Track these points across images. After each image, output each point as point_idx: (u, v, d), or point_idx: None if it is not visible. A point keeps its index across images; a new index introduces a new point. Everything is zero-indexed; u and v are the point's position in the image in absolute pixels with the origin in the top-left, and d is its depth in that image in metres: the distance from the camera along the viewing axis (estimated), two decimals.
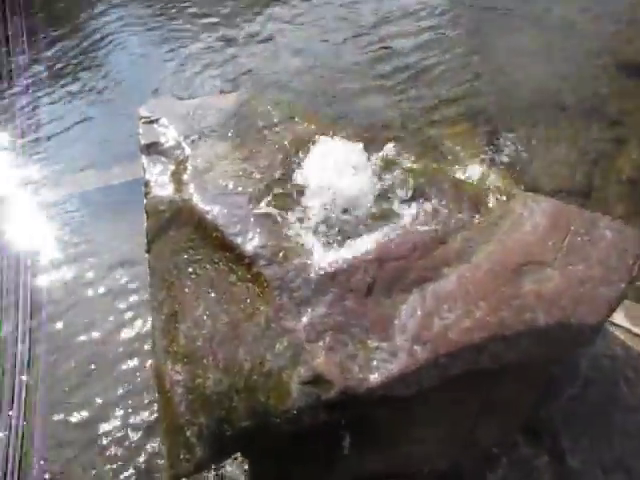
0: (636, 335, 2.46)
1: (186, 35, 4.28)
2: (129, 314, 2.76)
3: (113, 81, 4.12)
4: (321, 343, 1.64)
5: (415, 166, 2.17)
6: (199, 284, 1.91)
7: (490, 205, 2.02)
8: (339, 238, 1.85)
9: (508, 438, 2.19)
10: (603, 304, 1.71)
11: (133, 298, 2.83)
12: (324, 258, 1.79)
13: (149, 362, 2.49)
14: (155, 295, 1.99)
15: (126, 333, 2.71)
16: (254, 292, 1.79)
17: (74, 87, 4.14)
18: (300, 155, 2.18)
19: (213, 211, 1.98)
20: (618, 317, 2.46)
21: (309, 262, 1.79)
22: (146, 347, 2.54)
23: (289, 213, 1.94)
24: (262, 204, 1.98)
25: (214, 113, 2.40)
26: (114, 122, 3.66)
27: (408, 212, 1.95)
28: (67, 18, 4.82)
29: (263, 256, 1.82)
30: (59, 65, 4.35)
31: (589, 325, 1.68)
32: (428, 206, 1.98)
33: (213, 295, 1.87)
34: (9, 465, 2.23)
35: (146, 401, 2.41)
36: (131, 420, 2.38)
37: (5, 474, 2.22)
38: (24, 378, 2.54)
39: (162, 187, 2.14)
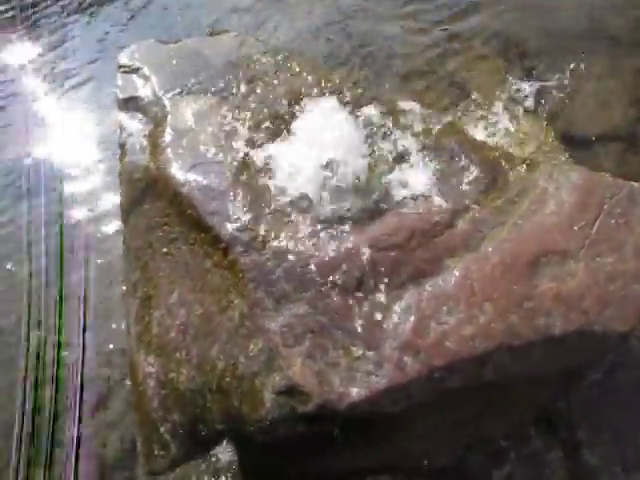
0: None
1: None
2: None
3: None
4: (299, 348, 1.43)
5: (423, 126, 1.85)
6: (174, 267, 1.72)
7: (509, 176, 1.72)
8: (326, 221, 1.60)
9: (519, 430, 1.99)
10: (635, 307, 1.43)
11: None
12: (307, 246, 1.55)
13: None
14: (129, 275, 1.81)
15: None
16: (229, 282, 1.59)
17: None
18: (292, 115, 1.89)
19: (189, 183, 1.74)
20: None
21: (290, 250, 1.55)
22: None
23: (272, 189, 1.68)
24: (243, 177, 1.73)
25: (200, 61, 2.10)
26: None
27: (409, 186, 1.66)
28: None
29: (240, 241, 1.60)
30: None
31: (616, 332, 1.41)
32: (433, 177, 1.70)
33: (188, 281, 1.68)
34: None
35: None
36: None
37: None
38: None
39: (138, 151, 1.91)
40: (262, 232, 1.61)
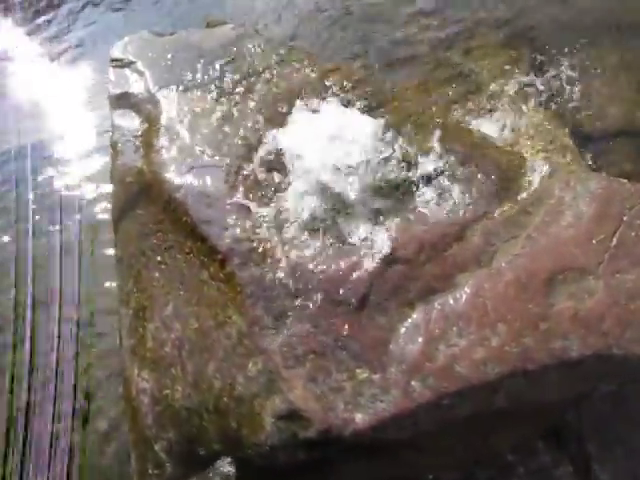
0: None
1: None
2: None
3: None
4: (300, 370, 1.35)
5: (431, 126, 1.75)
6: (168, 277, 1.63)
7: (523, 183, 1.62)
8: (330, 232, 1.50)
9: (527, 443, 1.92)
10: None
11: None
12: (309, 259, 1.46)
13: None
14: (122, 285, 1.72)
15: None
16: (226, 296, 1.50)
17: None
18: (293, 114, 1.78)
19: (184, 189, 1.65)
20: None
21: (291, 263, 1.46)
22: None
23: (273, 197, 1.58)
24: (242, 182, 1.63)
25: (197, 55, 1.99)
26: None
27: (417, 195, 1.57)
28: None
29: (238, 252, 1.51)
30: None
31: (637, 356, 1.33)
32: (443, 185, 1.60)
33: (183, 293, 1.59)
34: None
35: None
36: None
37: None
38: None
39: (130, 152, 1.81)
40: (261, 243, 1.51)
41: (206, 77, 1.92)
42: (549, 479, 1.89)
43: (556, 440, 1.93)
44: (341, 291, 1.41)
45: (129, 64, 1.97)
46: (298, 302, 1.42)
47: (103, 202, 2.52)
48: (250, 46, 2.01)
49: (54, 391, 2.13)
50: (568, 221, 1.49)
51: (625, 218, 1.49)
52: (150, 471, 1.58)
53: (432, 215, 1.53)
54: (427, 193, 1.59)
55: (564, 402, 1.65)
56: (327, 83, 1.85)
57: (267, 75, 1.90)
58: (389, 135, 1.69)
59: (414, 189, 1.61)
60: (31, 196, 2.70)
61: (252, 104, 1.81)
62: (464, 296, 1.39)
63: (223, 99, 1.86)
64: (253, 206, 1.58)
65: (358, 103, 1.79)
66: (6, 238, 2.63)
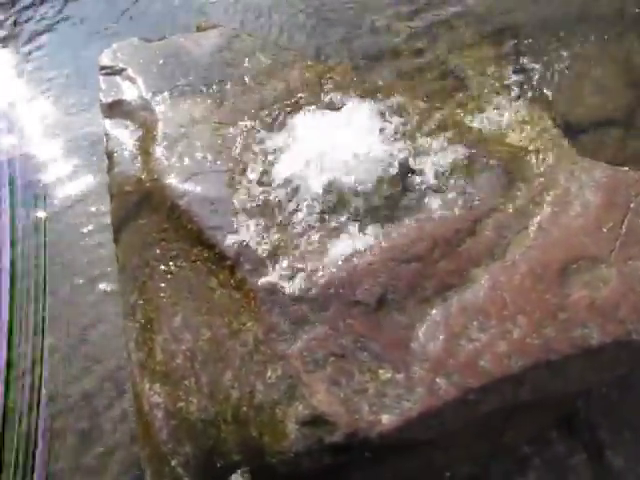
0: None
1: None
2: None
3: None
4: (321, 374, 1.33)
5: (429, 123, 1.74)
6: (175, 287, 1.59)
7: (527, 175, 1.62)
8: (340, 232, 1.48)
9: (542, 433, 1.92)
10: None
11: None
12: (322, 261, 1.44)
13: None
14: (126, 297, 1.68)
15: None
16: (239, 303, 1.47)
17: None
18: (293, 115, 1.76)
19: (187, 195, 1.62)
20: None
21: (304, 267, 1.44)
22: None
23: (279, 198, 1.56)
24: (246, 185, 1.61)
25: (189, 59, 1.96)
26: None
27: (425, 192, 1.56)
28: None
29: (248, 258, 1.48)
30: None
31: None
32: (449, 181, 1.59)
33: (192, 303, 1.55)
34: None
35: None
36: None
37: None
38: None
39: (128, 161, 1.77)
40: (271, 247, 1.49)
41: (200, 81, 1.89)
42: (564, 468, 1.89)
43: (568, 429, 1.94)
44: (357, 292, 1.39)
45: (120, 71, 1.93)
46: (314, 306, 1.40)
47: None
48: (242, 49, 1.98)
49: None
50: (577, 211, 1.50)
51: (632, 205, 1.51)
52: None
53: (442, 211, 1.52)
54: (435, 190, 1.59)
55: (580, 390, 1.66)
56: (323, 82, 1.84)
57: (262, 77, 1.88)
58: (392, 132, 1.67)
59: (422, 186, 1.60)
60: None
61: (250, 106, 1.79)
62: (481, 290, 1.38)
63: (220, 103, 1.83)
64: (260, 210, 1.56)
65: (357, 101, 1.77)
66: None
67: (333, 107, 1.75)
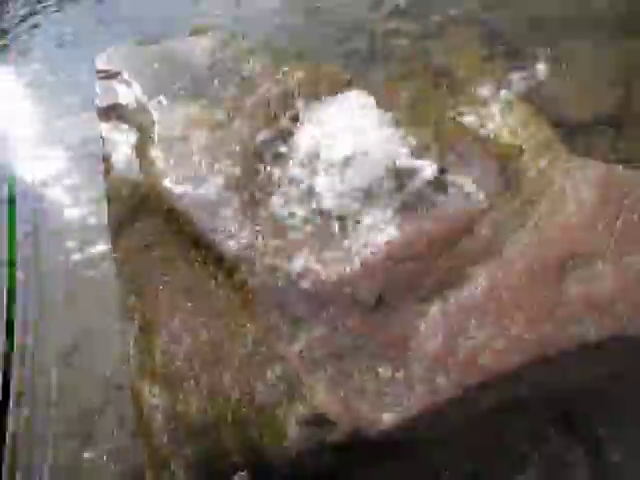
0: None
1: None
2: None
3: None
4: (321, 374, 1.33)
5: (422, 122, 1.75)
6: (174, 290, 1.60)
7: (522, 174, 1.64)
8: (338, 233, 1.49)
9: (540, 430, 1.93)
10: None
11: None
12: (321, 261, 1.44)
13: None
14: (125, 300, 1.68)
15: None
16: (237, 304, 1.47)
17: None
18: (291, 117, 1.77)
19: (185, 198, 1.62)
20: None
21: (303, 267, 1.44)
22: None
23: (278, 200, 1.57)
24: (244, 187, 1.61)
25: (184, 63, 1.97)
26: None
27: (422, 191, 1.57)
28: None
29: (246, 259, 1.48)
30: None
31: None
32: (445, 180, 1.60)
33: (190, 305, 1.55)
34: None
35: None
36: None
37: None
38: None
39: (124, 165, 1.77)
40: (270, 248, 1.50)
41: (196, 85, 1.90)
42: (563, 464, 1.90)
43: (566, 425, 1.95)
44: (355, 292, 1.40)
45: (115, 75, 1.94)
46: (313, 306, 1.40)
47: None
48: (237, 52, 1.99)
49: None
50: (572, 208, 1.51)
51: (626, 202, 1.52)
52: None
53: (439, 210, 1.53)
54: (431, 189, 1.60)
55: (578, 386, 1.67)
56: (319, 84, 1.84)
57: (257, 80, 1.89)
58: (388, 131, 1.69)
59: (418, 186, 1.61)
60: None
61: (246, 109, 1.80)
62: (479, 288, 1.39)
63: (215, 106, 1.84)
64: (258, 211, 1.56)
65: (353, 101, 1.78)
66: None
67: (329, 107, 1.76)
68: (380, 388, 1.31)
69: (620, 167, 1.68)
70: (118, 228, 1.74)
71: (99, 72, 1.94)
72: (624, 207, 1.52)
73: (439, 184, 1.58)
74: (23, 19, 3.56)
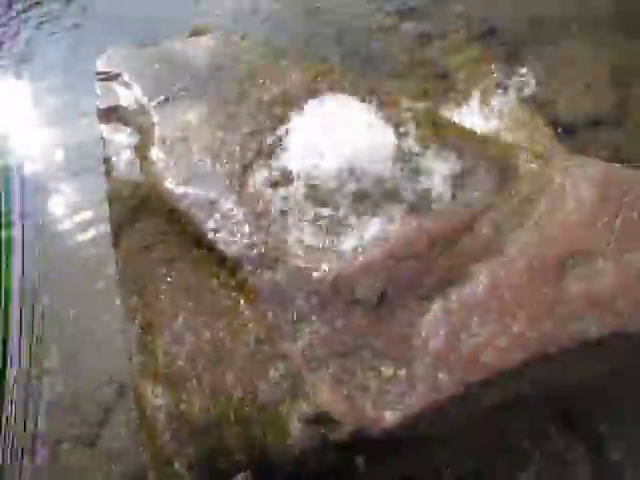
0: None
1: None
2: None
3: None
4: (324, 372, 1.34)
5: (422, 122, 1.76)
6: (176, 290, 1.60)
7: (521, 172, 1.64)
8: (339, 231, 1.50)
9: (542, 427, 1.94)
10: None
11: None
12: (323, 260, 1.45)
13: None
14: (126, 301, 1.68)
15: None
16: (240, 303, 1.48)
17: None
18: (290, 115, 1.78)
19: (186, 198, 1.62)
20: None
21: (305, 266, 1.45)
22: None
23: (279, 199, 1.57)
24: (245, 187, 1.62)
25: (184, 64, 1.98)
26: None
27: (420, 189, 1.58)
28: None
29: (249, 259, 1.49)
30: None
31: None
32: (444, 178, 1.61)
33: (192, 304, 1.56)
34: None
35: None
36: None
37: None
38: None
39: (125, 166, 1.78)
40: (272, 247, 1.50)
41: (196, 85, 1.90)
42: (564, 462, 1.90)
43: (567, 422, 1.96)
44: (357, 290, 1.41)
45: (115, 77, 1.94)
46: (315, 304, 1.41)
47: None
48: (237, 52, 2.00)
49: None
50: (572, 206, 1.52)
51: (626, 200, 1.53)
52: None
53: (439, 209, 1.54)
54: (432, 187, 1.60)
55: (579, 383, 1.68)
56: (320, 83, 1.85)
57: (258, 80, 1.89)
58: (388, 130, 1.69)
59: (418, 184, 1.62)
60: None
61: (247, 109, 1.80)
62: (480, 286, 1.40)
63: (216, 106, 1.84)
64: (259, 210, 1.57)
65: (353, 100, 1.79)
66: None
67: (330, 107, 1.76)
68: (382, 386, 1.31)
69: (619, 165, 1.69)
70: (119, 229, 1.74)
71: (99, 74, 1.95)
72: (624, 205, 1.53)
73: (437, 183, 1.59)
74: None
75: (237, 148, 1.70)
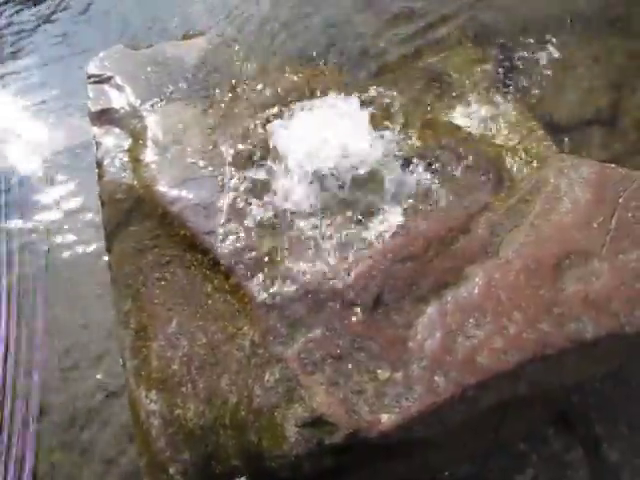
0: None
1: None
2: None
3: None
4: (320, 376, 1.32)
5: (417, 124, 1.76)
6: (169, 293, 1.58)
7: (516, 173, 1.64)
8: (333, 234, 1.49)
9: (539, 430, 1.93)
10: None
11: None
12: (317, 263, 1.44)
13: None
14: (120, 305, 1.66)
15: None
16: (234, 308, 1.47)
17: None
18: (281, 117, 1.77)
19: (179, 201, 1.61)
20: None
21: (300, 269, 1.44)
22: None
23: (272, 200, 1.56)
24: (239, 190, 1.60)
25: (177, 67, 1.96)
26: None
27: (417, 191, 1.57)
28: None
29: (243, 262, 1.48)
30: None
31: None
32: (440, 180, 1.61)
33: (187, 308, 1.54)
34: None
35: None
36: None
37: None
38: None
39: (118, 169, 1.76)
40: (266, 251, 1.49)
41: (188, 89, 1.89)
42: (561, 464, 1.90)
43: (564, 424, 1.95)
44: (353, 293, 1.40)
45: (107, 79, 1.93)
46: (310, 307, 1.40)
47: None
48: (230, 55, 1.99)
49: None
50: (567, 207, 1.52)
51: (621, 201, 1.53)
52: None
53: (435, 210, 1.53)
54: (427, 189, 1.60)
55: (576, 384, 1.67)
56: (313, 87, 1.84)
57: (251, 83, 1.88)
58: (383, 133, 1.69)
59: (414, 186, 1.61)
60: None
61: (239, 112, 1.79)
62: (477, 287, 1.39)
63: (208, 110, 1.83)
64: (253, 213, 1.55)
65: (346, 102, 1.78)
66: None
67: (322, 109, 1.75)
68: (379, 389, 1.30)
69: (614, 166, 1.69)
70: (113, 232, 1.73)
71: (91, 76, 1.93)
72: (618, 205, 1.52)
73: (432, 184, 1.58)
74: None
75: (230, 151, 1.69)
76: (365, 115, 1.78)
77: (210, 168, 1.66)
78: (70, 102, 2.80)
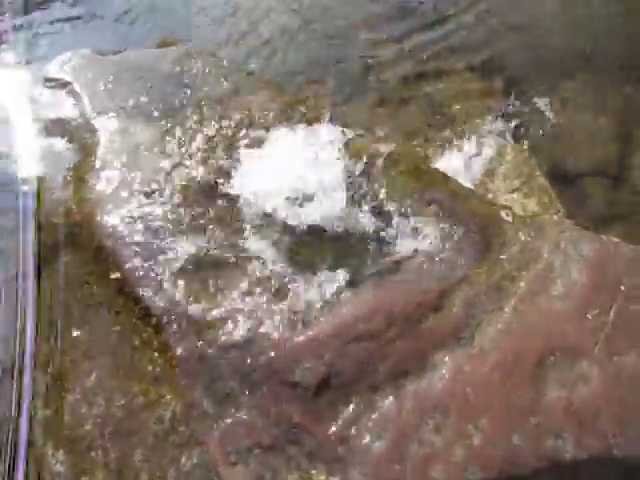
0: None
1: None
2: None
3: None
4: (243, 468, 1.11)
5: (401, 169, 1.55)
6: (94, 340, 1.38)
7: (506, 239, 1.42)
8: (283, 296, 1.27)
9: None
10: None
11: None
12: (260, 330, 1.22)
13: None
14: (42, 344, 1.45)
15: None
16: (160, 369, 1.25)
17: None
18: (251, 148, 1.56)
19: (117, 237, 1.40)
20: None
21: (239, 335, 1.22)
22: None
23: (222, 247, 1.35)
24: (186, 230, 1.39)
25: (144, 78, 1.76)
26: None
27: (387, 252, 1.35)
28: None
29: (175, 318, 1.27)
30: None
31: None
32: (417, 241, 1.39)
33: (110, 360, 1.34)
34: None
35: None
36: None
37: None
38: None
39: (59, 187, 1.55)
40: (204, 307, 1.28)
41: (152, 104, 1.69)
42: None
43: None
44: (297, 371, 1.18)
45: (65, 85, 1.72)
46: (245, 383, 1.18)
47: None
48: (204, 70, 1.78)
49: None
50: (559, 291, 1.30)
51: (623, 288, 1.31)
52: None
53: (405, 279, 1.31)
54: (400, 250, 1.38)
55: None
56: (288, 113, 1.64)
57: (221, 104, 1.68)
58: (358, 177, 1.48)
59: (384, 244, 1.39)
60: None
61: (203, 136, 1.59)
62: (441, 381, 1.18)
63: (169, 130, 1.63)
64: (197, 262, 1.34)
65: (323, 135, 1.57)
66: None
67: (294, 140, 1.55)
68: None
69: (618, 241, 1.47)
70: (45, 258, 1.52)
71: (48, 80, 1.73)
72: (619, 293, 1.31)
73: (407, 245, 1.36)
74: None
75: (184, 182, 1.49)
76: (342, 151, 1.57)
77: (161, 199, 1.46)
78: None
